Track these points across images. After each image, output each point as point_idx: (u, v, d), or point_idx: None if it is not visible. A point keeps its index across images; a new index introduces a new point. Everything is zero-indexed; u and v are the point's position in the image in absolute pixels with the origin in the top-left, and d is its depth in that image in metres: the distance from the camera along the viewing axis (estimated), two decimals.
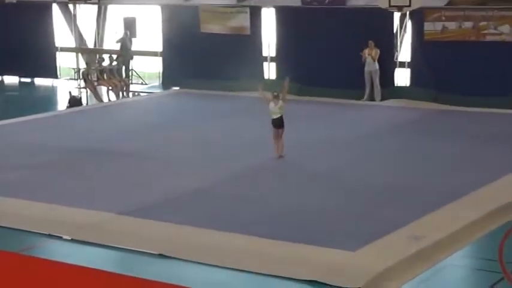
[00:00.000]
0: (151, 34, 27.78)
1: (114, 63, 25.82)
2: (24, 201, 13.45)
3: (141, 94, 26.17)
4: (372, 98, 23.09)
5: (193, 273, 10.61)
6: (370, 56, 22.67)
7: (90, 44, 29.33)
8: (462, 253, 11.26)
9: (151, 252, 11.22)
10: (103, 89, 25.62)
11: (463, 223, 11.97)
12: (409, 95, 22.92)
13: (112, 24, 28.95)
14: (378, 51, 22.74)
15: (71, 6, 28.14)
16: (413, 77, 23.32)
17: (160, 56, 26.94)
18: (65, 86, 27.32)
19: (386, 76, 23.14)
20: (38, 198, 13.55)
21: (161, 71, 27.13)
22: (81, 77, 26.04)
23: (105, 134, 18.99)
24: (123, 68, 26.43)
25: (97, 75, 25.38)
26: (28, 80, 29.25)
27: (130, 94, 25.96)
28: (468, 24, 22.03)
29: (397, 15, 23.24)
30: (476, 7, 22.09)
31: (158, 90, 26.39)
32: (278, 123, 16.13)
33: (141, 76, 27.90)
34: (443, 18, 22.32)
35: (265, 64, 25.27)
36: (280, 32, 24.81)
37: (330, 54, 23.58)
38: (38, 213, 12.87)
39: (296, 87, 22.61)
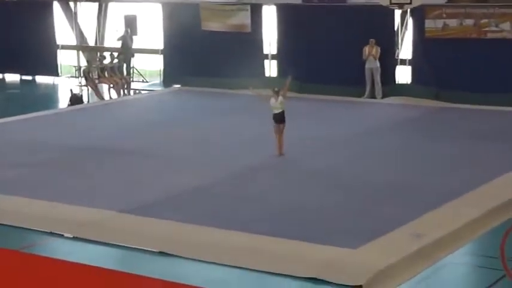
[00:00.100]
0: (152, 32, 27.74)
1: (115, 61, 25.78)
2: (25, 199, 13.44)
3: (142, 92, 26.15)
4: (372, 96, 23.07)
5: (194, 270, 10.61)
6: (372, 56, 22.66)
7: (91, 42, 29.31)
8: (463, 250, 11.26)
9: (152, 250, 11.22)
10: (104, 87, 25.58)
11: (464, 221, 11.96)
12: (410, 92, 22.90)
13: (113, 22, 28.90)
14: (379, 49, 22.73)
15: (71, 4, 28.17)
16: (414, 75, 23.29)
17: (161, 53, 26.90)
18: (66, 84, 27.28)
19: (387, 73, 23.11)
20: (39, 196, 13.55)
21: (162, 68, 27.09)
22: (82, 74, 26.03)
23: (106, 132, 18.98)
24: (124, 65, 26.40)
25: (98, 73, 25.31)
26: (29, 77, 29.23)
27: (131, 92, 25.94)
28: (469, 22, 21.99)
29: (398, 13, 23.22)
30: (477, 4, 22.06)
31: (159, 88, 26.37)
32: (279, 118, 16.09)
33: (142, 74, 27.92)
34: (444, 15, 22.28)
35: (266, 62, 25.24)
36: (281, 29, 24.78)
37: (331, 51, 23.55)
38: (39, 211, 12.87)
39: (297, 84, 22.54)
